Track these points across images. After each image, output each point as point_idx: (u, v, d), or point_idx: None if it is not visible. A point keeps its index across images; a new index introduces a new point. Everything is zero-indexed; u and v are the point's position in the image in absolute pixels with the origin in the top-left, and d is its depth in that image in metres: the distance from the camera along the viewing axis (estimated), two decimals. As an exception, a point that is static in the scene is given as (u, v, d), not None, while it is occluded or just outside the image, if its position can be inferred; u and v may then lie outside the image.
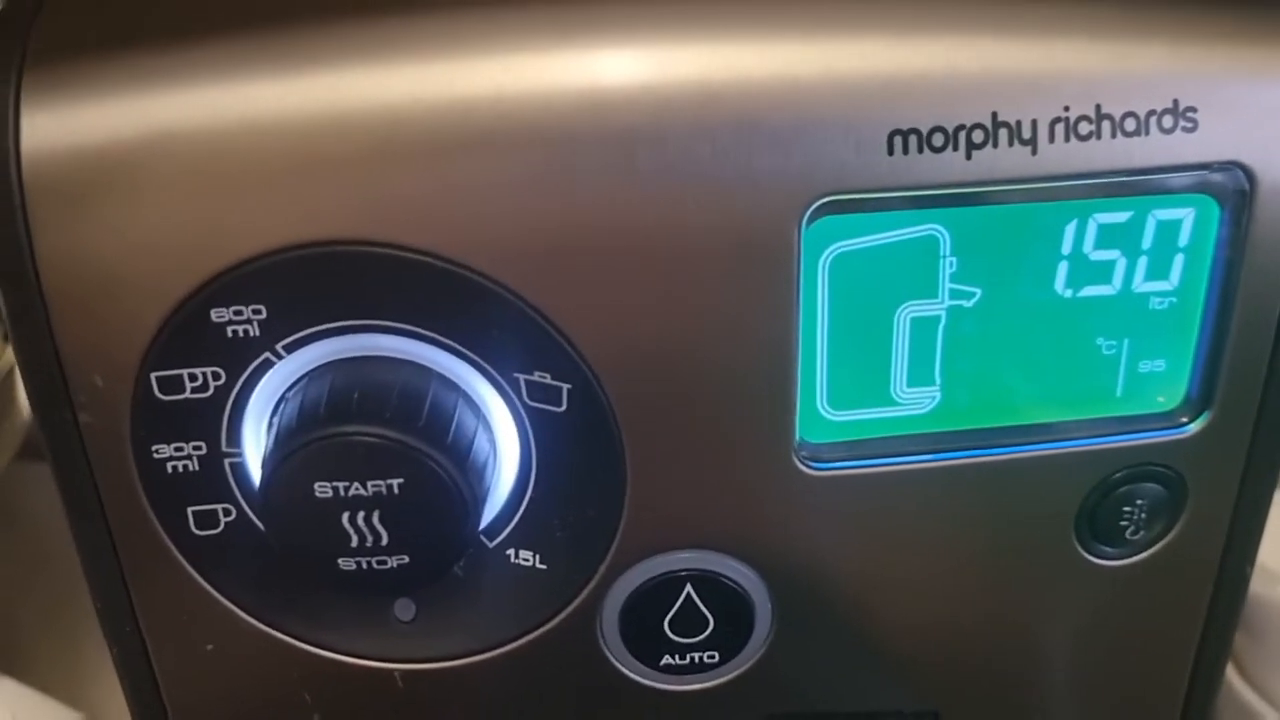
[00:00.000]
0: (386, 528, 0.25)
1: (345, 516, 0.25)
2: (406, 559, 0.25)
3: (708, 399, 0.26)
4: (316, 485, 0.25)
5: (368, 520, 0.25)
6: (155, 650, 0.29)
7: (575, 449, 0.27)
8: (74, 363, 0.26)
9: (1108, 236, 0.27)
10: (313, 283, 0.25)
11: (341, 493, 0.25)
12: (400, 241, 0.25)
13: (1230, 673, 0.52)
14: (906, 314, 0.27)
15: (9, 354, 0.44)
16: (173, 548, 0.28)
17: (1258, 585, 0.49)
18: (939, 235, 0.26)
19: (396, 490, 0.25)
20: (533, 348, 0.25)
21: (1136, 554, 0.29)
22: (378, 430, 0.24)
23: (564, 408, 0.26)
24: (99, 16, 0.26)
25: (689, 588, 0.28)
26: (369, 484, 0.25)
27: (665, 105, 0.24)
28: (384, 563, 0.25)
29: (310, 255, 0.25)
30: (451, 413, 0.25)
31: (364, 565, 0.25)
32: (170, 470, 0.27)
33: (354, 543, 0.25)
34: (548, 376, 0.26)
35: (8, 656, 0.45)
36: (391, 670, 0.29)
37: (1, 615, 0.46)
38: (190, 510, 0.27)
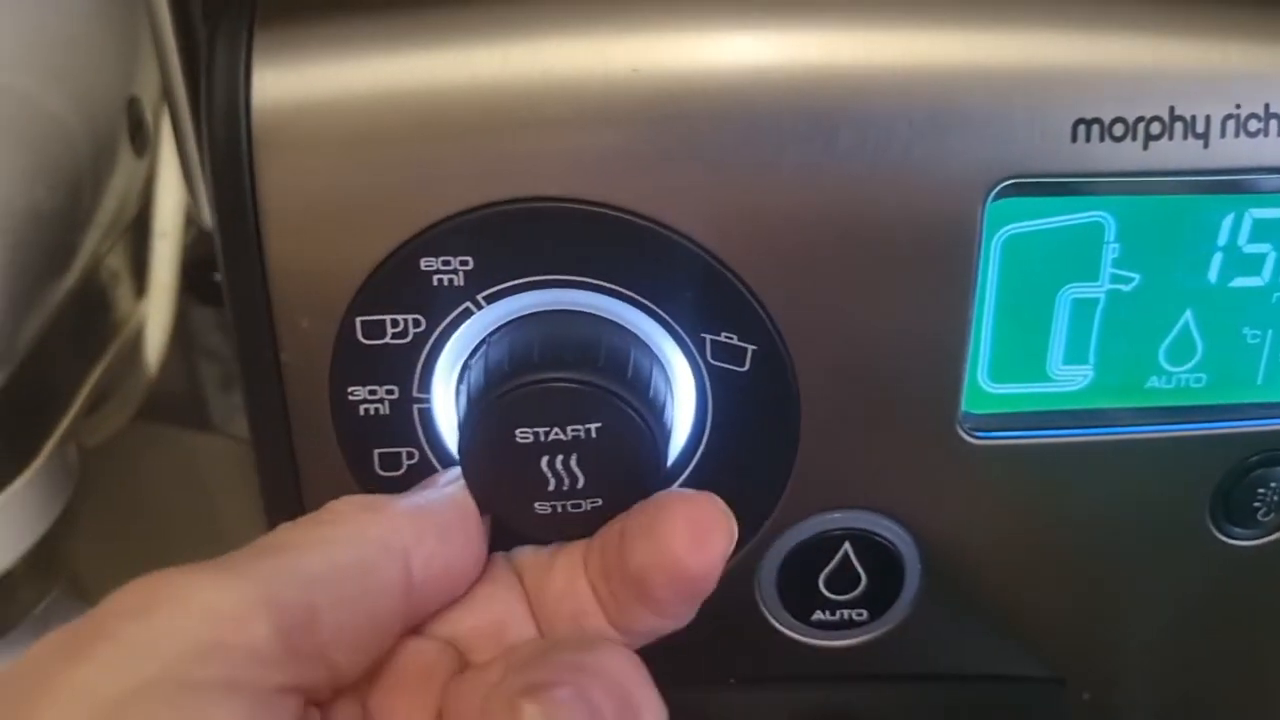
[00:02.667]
0: (584, 471, 0.26)
1: (544, 460, 0.26)
2: (600, 501, 0.27)
3: (883, 367, 0.28)
4: (519, 430, 0.26)
5: (565, 464, 0.26)
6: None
7: (752, 408, 0.28)
8: (283, 304, 0.27)
9: (1262, 231, 0.28)
10: (519, 237, 0.26)
11: (542, 437, 0.26)
12: (606, 200, 0.26)
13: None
14: (1068, 295, 0.28)
15: (140, 312, 0.45)
16: (357, 486, 0.29)
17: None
18: (1105, 221, 0.28)
19: (594, 435, 0.26)
20: (724, 309, 0.27)
21: (1266, 535, 0.30)
22: (585, 376, 0.26)
23: (746, 368, 0.28)
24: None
25: (847, 546, 0.29)
26: (569, 429, 0.26)
27: (868, 86, 0.26)
28: (579, 506, 0.27)
29: (519, 210, 0.26)
30: (648, 367, 0.27)
31: (559, 509, 0.27)
32: (362, 412, 0.28)
33: (551, 486, 0.27)
34: (734, 337, 0.27)
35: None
36: (553, 614, 0.30)
37: (114, 571, 0.47)
38: (376, 452, 0.29)
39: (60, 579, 0.40)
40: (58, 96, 0.39)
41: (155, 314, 0.44)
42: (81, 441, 0.43)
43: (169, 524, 0.53)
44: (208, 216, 0.41)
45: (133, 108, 0.43)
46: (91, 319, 0.42)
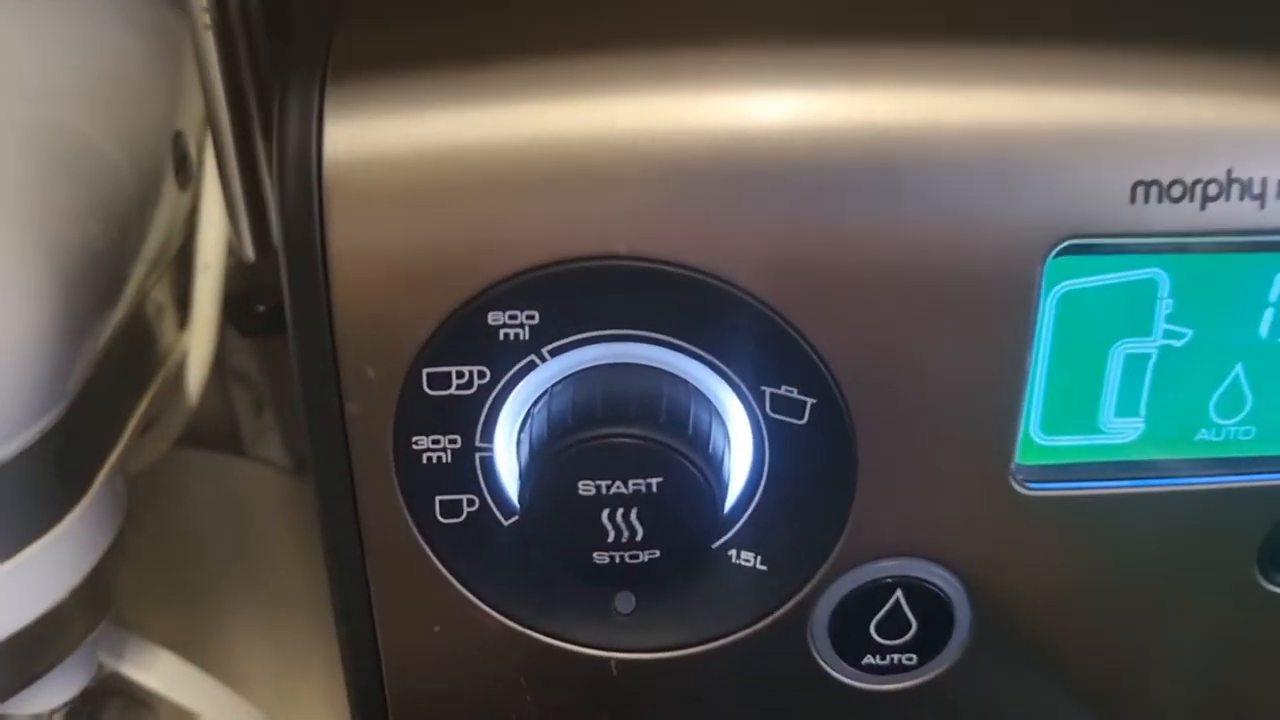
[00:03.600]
0: (643, 524, 0.27)
1: (605, 513, 0.27)
2: (657, 553, 0.27)
3: (939, 420, 0.28)
4: (581, 483, 0.27)
5: (625, 517, 0.27)
6: (383, 628, 0.31)
7: (810, 460, 0.28)
8: (349, 354, 0.28)
9: (1312, 287, 0.29)
10: (585, 293, 0.27)
11: (604, 490, 0.27)
12: (670, 257, 0.27)
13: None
14: (1121, 350, 0.29)
15: (183, 343, 0.46)
16: (416, 532, 0.29)
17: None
18: (1159, 278, 0.28)
19: (655, 489, 0.27)
20: (784, 363, 0.27)
21: (1311, 585, 0.31)
22: (646, 432, 0.26)
23: (805, 420, 0.28)
24: (394, 32, 0.28)
25: (899, 593, 0.30)
26: (630, 483, 0.27)
27: (931, 144, 0.26)
28: (636, 557, 0.27)
29: (585, 268, 0.27)
30: (708, 421, 0.27)
31: (617, 559, 0.27)
32: (425, 460, 0.29)
33: (610, 538, 0.27)
34: (795, 391, 0.28)
35: (152, 637, 0.47)
36: (607, 659, 0.31)
37: (153, 597, 0.48)
38: (438, 498, 0.29)
39: (109, 608, 0.40)
40: (106, 133, 0.40)
41: (197, 346, 0.45)
42: (126, 470, 0.44)
43: (206, 549, 0.53)
44: (249, 249, 0.41)
45: (178, 142, 0.43)
46: (138, 352, 0.42)
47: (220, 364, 0.55)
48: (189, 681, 0.45)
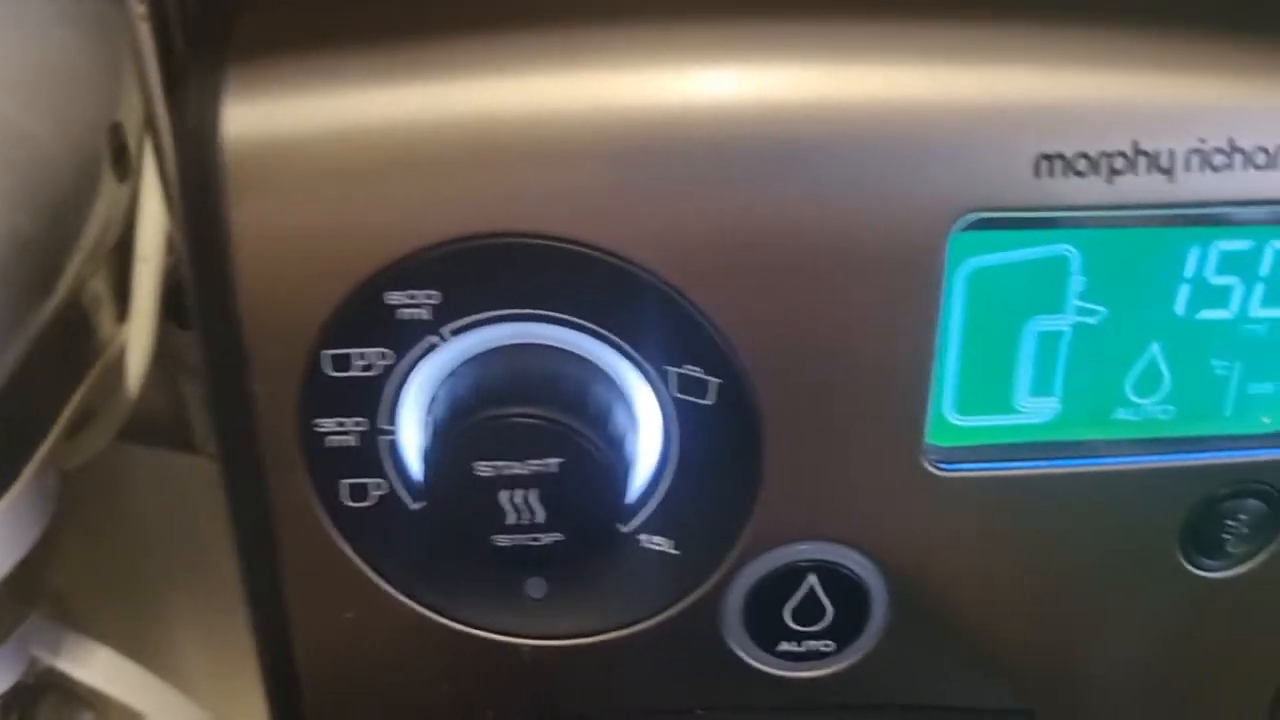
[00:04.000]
0: (544, 506, 0.26)
1: (504, 495, 0.27)
2: (560, 536, 0.27)
3: (847, 399, 0.28)
4: (478, 464, 0.26)
5: (525, 499, 0.27)
6: (295, 615, 0.30)
7: (717, 441, 0.28)
8: (253, 336, 0.27)
9: (1228, 263, 0.28)
10: (485, 272, 0.27)
11: (502, 471, 0.26)
12: (572, 235, 0.26)
13: None
14: (1034, 328, 0.28)
15: (122, 335, 0.46)
16: (325, 517, 0.29)
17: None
18: (1070, 255, 0.28)
19: (555, 470, 0.26)
20: (688, 342, 0.27)
21: (1235, 567, 0.30)
22: (543, 412, 0.26)
23: (711, 401, 0.28)
24: (297, 14, 0.27)
25: (813, 578, 0.29)
26: (528, 463, 0.26)
27: (831, 120, 0.26)
28: (537, 540, 0.27)
29: (485, 245, 0.26)
30: (609, 401, 0.27)
31: (519, 543, 0.27)
32: (329, 444, 0.28)
33: (511, 520, 0.27)
34: (699, 370, 0.27)
35: (94, 632, 0.46)
36: (520, 646, 0.30)
37: (96, 593, 0.47)
38: (345, 482, 0.29)
39: (36, 602, 0.40)
40: (39, 121, 0.39)
41: (136, 338, 0.44)
42: (62, 464, 0.44)
43: (151, 544, 0.53)
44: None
45: (115, 133, 0.43)
46: (73, 343, 0.42)
47: (170, 360, 0.54)
48: (127, 677, 0.44)
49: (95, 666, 0.43)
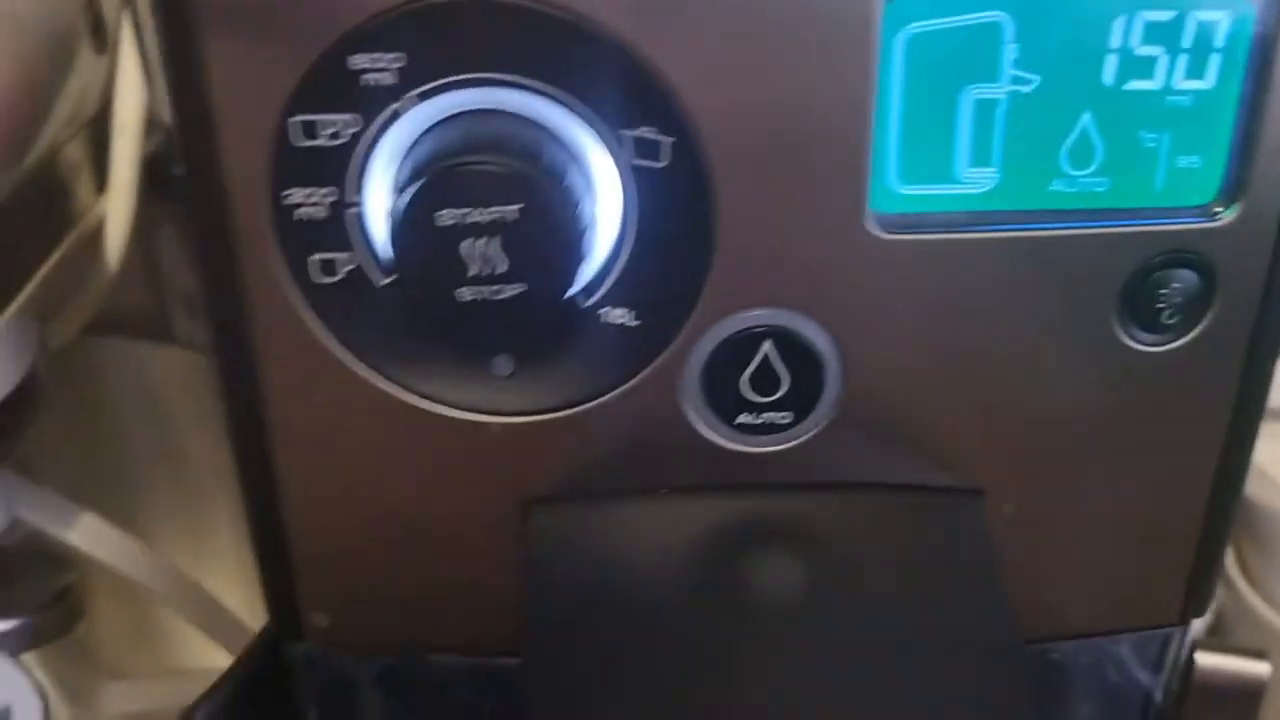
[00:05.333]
0: (506, 254, 0.28)
1: (466, 243, 0.28)
2: (522, 288, 0.28)
3: (794, 160, 0.29)
4: (440, 213, 0.27)
5: (486, 247, 0.28)
6: (269, 403, 0.31)
7: (671, 205, 0.29)
8: (221, 105, 0.28)
9: (1153, 33, 0.30)
10: (446, 33, 0.28)
11: (463, 219, 0.27)
12: (530, -6, 0.28)
13: (1240, 582, 0.55)
14: (971, 95, 0.30)
15: (100, 207, 0.47)
16: (296, 293, 0.30)
17: (1266, 497, 0.52)
18: (1003, 21, 0.29)
19: (515, 216, 0.27)
20: (641, 101, 0.28)
21: (1171, 341, 0.32)
22: (502, 159, 0.27)
23: (665, 163, 0.29)
24: None
25: (768, 344, 0.31)
26: (488, 210, 0.27)
27: (770, -121, 0.27)
28: (500, 292, 0.28)
29: (446, 4, 0.28)
30: (565, 162, 0.28)
31: (481, 296, 0.28)
32: (298, 217, 0.29)
33: (473, 271, 0.28)
34: (653, 131, 0.29)
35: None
36: (487, 423, 0.31)
37: (73, 483, 0.48)
38: (315, 256, 0.30)
39: (7, 457, 0.41)
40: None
41: (115, 209, 0.45)
42: (45, 342, 0.44)
43: (126, 436, 0.54)
44: (168, 113, 0.42)
45: (92, 5, 0.44)
46: (51, 206, 0.43)
47: (154, 256, 0.55)
48: (110, 540, 0.45)
49: (78, 529, 0.44)
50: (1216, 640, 0.40)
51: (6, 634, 0.42)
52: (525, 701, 0.29)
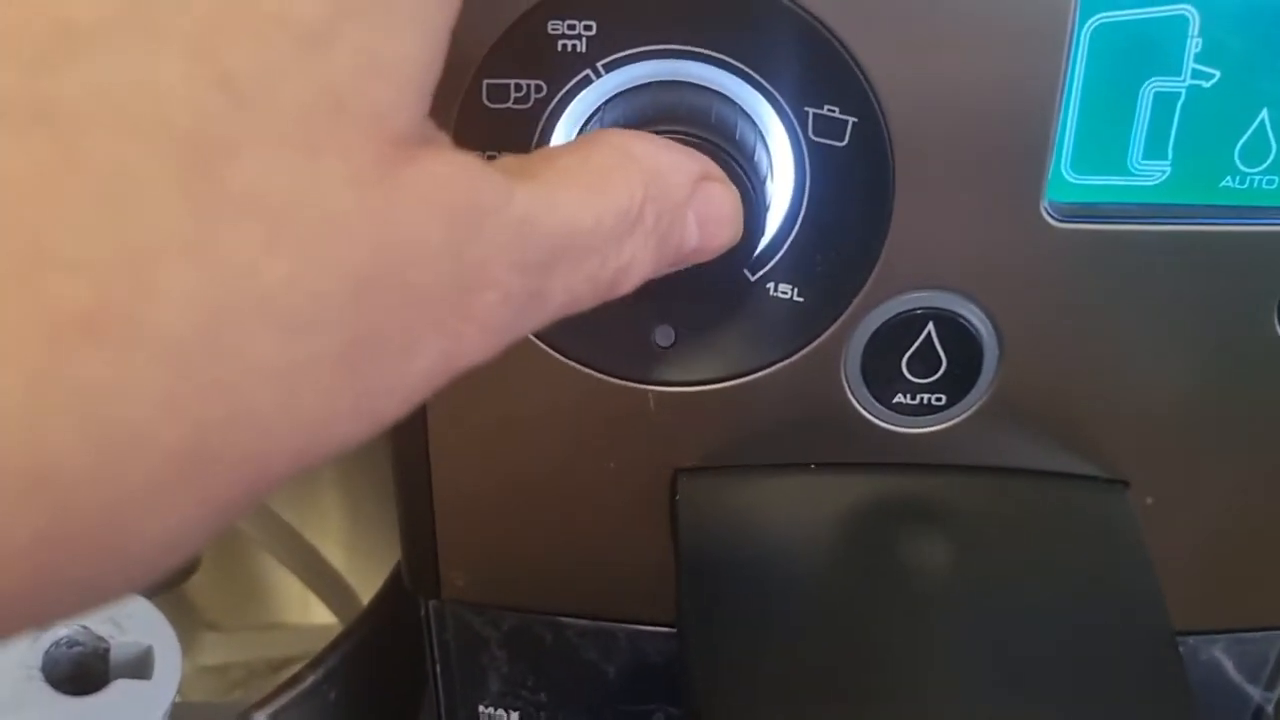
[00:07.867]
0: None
1: (654, 212, 0.28)
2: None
3: (976, 145, 0.29)
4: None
5: (674, 217, 0.28)
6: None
7: (848, 184, 0.29)
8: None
9: (1341, 34, 0.30)
10: (639, 3, 0.28)
11: (654, 189, 0.28)
12: (725, -30, 0.28)
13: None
14: (1151, 89, 0.30)
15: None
16: (469, 254, 0.30)
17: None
18: (1190, 15, 0.29)
19: (703, 190, 0.28)
20: (829, 79, 0.28)
21: (1333, 343, 0.32)
22: (698, 130, 0.27)
23: (845, 142, 0.29)
24: None
25: (930, 326, 0.31)
26: (680, 183, 0.28)
27: None
28: (677, 264, 0.28)
29: (638, -24, 0.28)
30: (755, 139, 0.28)
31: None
32: (480, 178, 0.30)
33: (658, 239, 0.28)
34: (836, 110, 0.29)
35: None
36: (646, 391, 0.32)
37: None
38: (491, 219, 0.30)
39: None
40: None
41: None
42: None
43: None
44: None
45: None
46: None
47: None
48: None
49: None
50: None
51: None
52: (681, 667, 0.29)
